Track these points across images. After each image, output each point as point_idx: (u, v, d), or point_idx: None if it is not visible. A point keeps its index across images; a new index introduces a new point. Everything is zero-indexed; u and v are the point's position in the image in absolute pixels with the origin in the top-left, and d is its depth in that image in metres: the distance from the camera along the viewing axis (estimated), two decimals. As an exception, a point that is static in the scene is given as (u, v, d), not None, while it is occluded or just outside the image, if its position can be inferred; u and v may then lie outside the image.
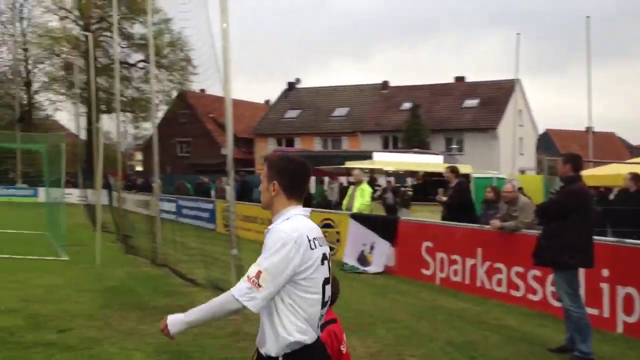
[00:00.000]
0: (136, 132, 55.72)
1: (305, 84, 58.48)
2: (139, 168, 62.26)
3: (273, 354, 2.66)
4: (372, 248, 11.98)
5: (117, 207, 18.96)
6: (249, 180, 25.52)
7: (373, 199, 14.79)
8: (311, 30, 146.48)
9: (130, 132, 54.56)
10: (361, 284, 10.46)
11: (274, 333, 2.65)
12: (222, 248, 12.33)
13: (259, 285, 2.57)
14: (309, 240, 2.66)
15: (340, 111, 52.41)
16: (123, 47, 46.78)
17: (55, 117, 55.75)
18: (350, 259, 12.34)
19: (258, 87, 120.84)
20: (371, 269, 11.75)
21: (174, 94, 53.26)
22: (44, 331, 6.74)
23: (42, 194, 35.60)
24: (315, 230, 2.76)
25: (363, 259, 12.10)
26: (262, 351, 2.70)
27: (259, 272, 2.59)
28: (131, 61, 50.00)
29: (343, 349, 3.27)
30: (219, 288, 8.85)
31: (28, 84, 51.97)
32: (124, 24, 45.71)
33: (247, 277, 2.61)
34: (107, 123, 44.39)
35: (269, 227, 2.74)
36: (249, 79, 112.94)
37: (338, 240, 13.18)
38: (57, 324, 7.07)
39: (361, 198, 12.94)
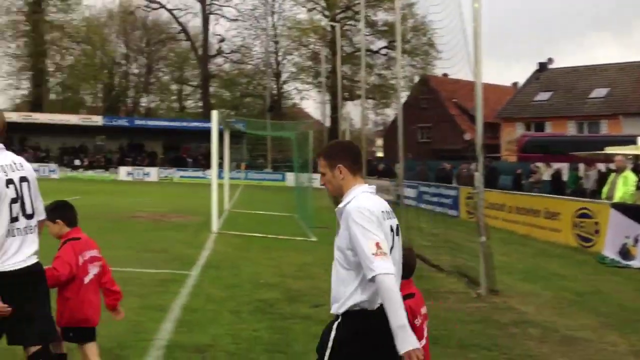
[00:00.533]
0: (377, 119, 57.84)
1: (558, 64, 54.84)
2: (379, 154, 64.50)
3: (336, 312, 3.01)
4: (636, 241, 10.95)
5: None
6: (496, 166, 24.77)
7: (638, 187, 13.49)
8: (563, 5, 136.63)
9: (372, 119, 56.76)
10: (623, 279, 9.77)
11: (338, 294, 3.00)
12: (465, 234, 12.22)
13: (385, 253, 2.82)
14: (382, 212, 2.98)
15: (599, 92, 48.10)
16: (367, 35, 48.70)
17: (302, 105, 60.32)
18: (610, 252, 11.43)
19: (504, 69, 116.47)
20: (635, 263, 10.77)
21: (416, 79, 53.95)
22: (299, 305, 7.36)
23: (289, 178, 39.02)
24: (384, 204, 3.06)
25: (625, 253, 11.14)
26: (332, 309, 3.03)
27: (377, 243, 2.83)
28: (374, 48, 51.77)
29: (417, 322, 3.46)
30: (465, 275, 8.79)
31: (278, 74, 56.94)
32: (369, 11, 47.51)
33: (373, 254, 2.80)
34: (351, 110, 46.66)
35: (340, 205, 3.01)
36: (494, 61, 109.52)
37: (597, 232, 12.26)
38: (311, 299, 7.67)
39: (624, 186, 11.98)
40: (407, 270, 3.46)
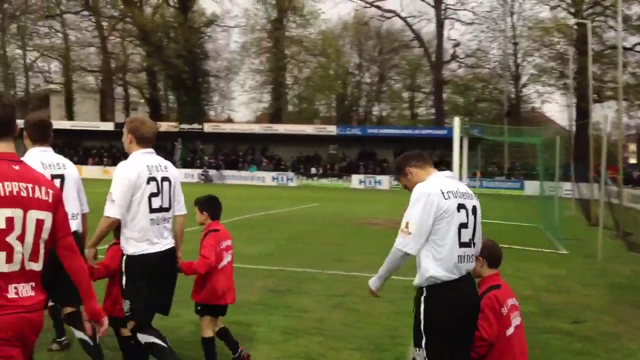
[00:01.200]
0: (630, 122, 52.90)
1: None
2: (632, 160, 58.86)
3: (417, 285, 3.72)
4: None
5: (614, 202, 18.36)
6: None
7: None
8: None
9: (625, 122, 51.99)
10: None
11: (418, 268, 3.70)
12: None
13: (409, 233, 3.60)
14: (442, 193, 3.62)
15: None
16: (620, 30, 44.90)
17: (542, 109, 57.40)
18: None
19: None
20: None
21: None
22: (556, 320, 7.05)
23: (530, 186, 37.30)
24: (452, 186, 3.72)
25: None
26: (414, 283, 3.75)
27: (407, 223, 3.63)
28: (628, 45, 47.51)
29: (504, 310, 3.97)
30: None
31: (516, 77, 54.92)
32: (622, 5, 43.76)
33: (400, 230, 3.64)
34: (598, 113, 43.31)
35: None
36: None
37: None
38: (569, 314, 7.31)
39: None
40: (493, 260, 4.17)
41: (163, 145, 49.23)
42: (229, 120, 64.60)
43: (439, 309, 3.62)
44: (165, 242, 4.58)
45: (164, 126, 50.06)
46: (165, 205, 4.58)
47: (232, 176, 47.44)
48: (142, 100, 63.98)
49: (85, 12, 59.69)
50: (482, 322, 3.88)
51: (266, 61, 59.16)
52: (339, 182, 46.23)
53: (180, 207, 4.75)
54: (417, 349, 3.73)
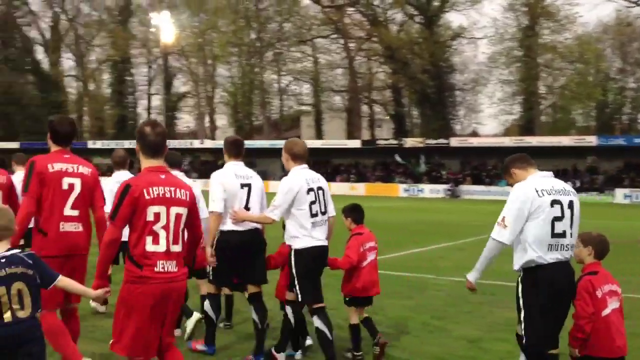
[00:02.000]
0: None
1: None
2: None
3: (516, 268, 4.64)
4: None
5: None
6: None
7: None
8: None
9: None
10: None
11: (515, 253, 4.61)
12: None
13: (505, 226, 4.52)
14: (536, 191, 4.52)
15: None
16: None
17: None
18: None
19: None
20: None
21: None
22: None
23: None
24: (547, 184, 4.59)
25: None
26: (514, 268, 4.66)
27: (504, 217, 4.56)
28: None
29: (598, 294, 4.51)
30: None
31: None
32: None
33: (497, 223, 4.56)
34: None
35: None
36: None
37: None
38: None
39: None
40: (600, 252, 4.70)
41: (407, 159, 50.33)
42: (474, 134, 63.79)
43: (532, 288, 4.54)
44: (322, 242, 5.69)
45: (409, 142, 51.08)
46: (322, 210, 5.71)
47: (480, 191, 46.58)
48: (387, 117, 66.11)
49: (334, 35, 63.72)
50: (579, 302, 4.51)
51: (517, 71, 57.37)
52: (599, 197, 42.88)
53: (331, 210, 5.87)
54: (518, 324, 4.70)
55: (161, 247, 4.05)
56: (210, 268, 5.92)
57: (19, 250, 3.84)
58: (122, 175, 7.39)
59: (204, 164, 58.30)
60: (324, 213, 5.69)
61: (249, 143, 55.40)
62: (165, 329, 4.19)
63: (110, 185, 6.82)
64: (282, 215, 5.61)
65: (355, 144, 54.18)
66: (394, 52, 57.75)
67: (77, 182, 5.03)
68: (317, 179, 5.73)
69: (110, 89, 76.34)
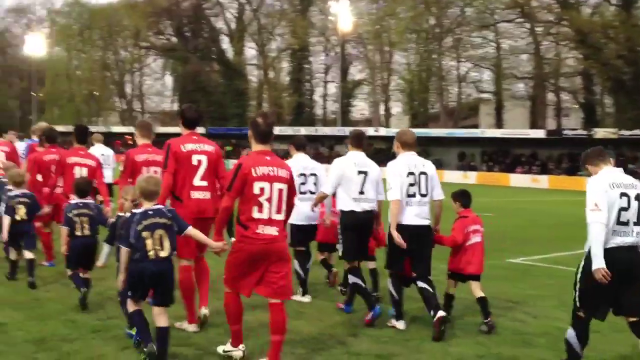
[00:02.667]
0: None
1: None
2: None
3: (586, 249, 5.45)
4: None
5: None
6: None
7: None
8: None
9: None
10: None
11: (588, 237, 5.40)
12: None
13: (600, 209, 5.26)
14: (609, 184, 5.35)
15: None
16: None
17: None
18: None
19: None
20: None
21: None
22: None
23: None
24: (618, 178, 5.44)
25: None
26: (584, 249, 5.55)
27: (595, 203, 5.29)
28: None
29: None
30: None
31: None
32: None
33: (591, 210, 5.30)
34: None
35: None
36: None
37: None
38: None
39: None
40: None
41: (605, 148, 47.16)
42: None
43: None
44: (421, 219, 6.65)
45: (600, 133, 47.97)
46: (422, 192, 6.63)
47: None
48: (576, 106, 62.57)
49: (520, 20, 61.32)
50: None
51: None
52: None
53: (437, 194, 6.82)
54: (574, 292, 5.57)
55: (264, 215, 5.18)
56: (341, 245, 7.14)
57: (162, 206, 5.31)
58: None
59: (378, 152, 58.87)
60: (423, 195, 6.64)
61: (423, 132, 55.75)
62: (267, 274, 5.28)
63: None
64: (400, 194, 6.56)
65: (539, 134, 51.77)
66: (585, 37, 54.36)
67: (204, 159, 6.28)
68: (421, 165, 6.75)
69: (288, 77, 79.59)
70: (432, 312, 6.46)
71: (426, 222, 6.70)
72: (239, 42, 78.58)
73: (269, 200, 5.18)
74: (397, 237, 6.44)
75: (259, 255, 5.16)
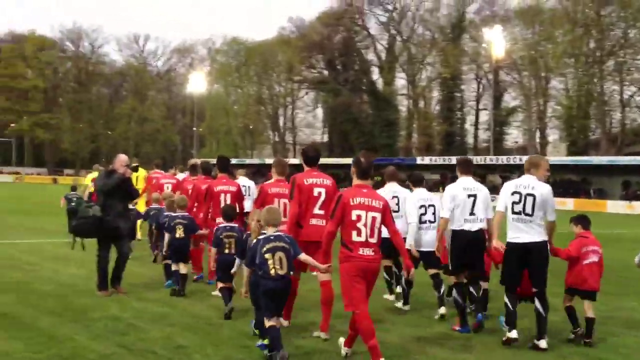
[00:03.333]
0: None
1: None
2: None
3: None
4: None
5: None
6: None
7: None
8: None
9: None
10: None
11: None
12: None
13: None
14: None
15: None
16: None
17: None
18: None
19: None
20: None
21: None
22: None
23: None
24: None
25: None
26: None
27: None
28: None
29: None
30: None
31: None
32: None
33: None
34: None
35: None
36: None
37: None
38: None
39: None
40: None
41: None
42: None
43: None
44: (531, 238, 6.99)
45: None
46: (528, 212, 6.97)
47: None
48: None
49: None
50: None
51: None
52: None
53: (549, 215, 7.09)
54: None
55: (362, 238, 6.03)
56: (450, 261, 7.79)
57: (282, 233, 6.28)
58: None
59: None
60: (529, 215, 7.01)
61: (584, 160, 53.52)
62: (366, 292, 6.11)
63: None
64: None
65: None
66: None
67: (323, 191, 7.32)
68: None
69: (438, 105, 79.57)
70: (537, 338, 6.96)
71: (538, 240, 7.15)
72: (389, 73, 79.90)
73: (365, 225, 6.07)
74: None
75: (361, 272, 6.04)
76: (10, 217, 21.11)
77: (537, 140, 69.69)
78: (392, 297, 9.21)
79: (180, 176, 13.59)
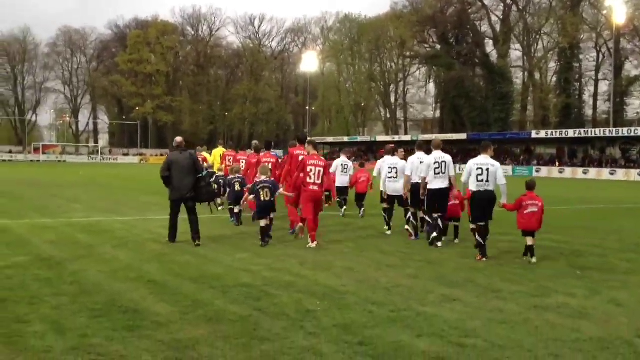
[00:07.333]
0: None
1: None
2: None
3: None
4: None
5: None
6: None
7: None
8: None
9: None
10: None
11: None
12: None
13: None
14: None
15: None
16: None
17: None
18: None
19: None
20: None
21: None
22: None
23: None
24: None
25: None
26: None
27: None
28: None
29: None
30: None
31: None
32: None
33: None
34: None
35: None
36: None
37: None
38: None
39: None
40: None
41: None
42: None
43: None
44: (440, 186, 11.46)
45: None
46: (443, 171, 11.44)
47: None
48: None
49: None
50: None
51: None
52: None
53: (448, 172, 11.44)
54: None
55: (312, 180, 11.29)
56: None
57: (269, 179, 11.54)
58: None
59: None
60: (443, 172, 11.28)
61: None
62: (315, 211, 11.48)
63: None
64: (427, 174, 11.46)
65: None
66: None
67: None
68: (442, 157, 11.35)
69: (555, 77, 78.30)
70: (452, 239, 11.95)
71: (444, 186, 11.44)
72: (504, 45, 79.31)
73: (314, 172, 11.32)
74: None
75: (313, 198, 11.30)
76: (142, 196, 22.66)
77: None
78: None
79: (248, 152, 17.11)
